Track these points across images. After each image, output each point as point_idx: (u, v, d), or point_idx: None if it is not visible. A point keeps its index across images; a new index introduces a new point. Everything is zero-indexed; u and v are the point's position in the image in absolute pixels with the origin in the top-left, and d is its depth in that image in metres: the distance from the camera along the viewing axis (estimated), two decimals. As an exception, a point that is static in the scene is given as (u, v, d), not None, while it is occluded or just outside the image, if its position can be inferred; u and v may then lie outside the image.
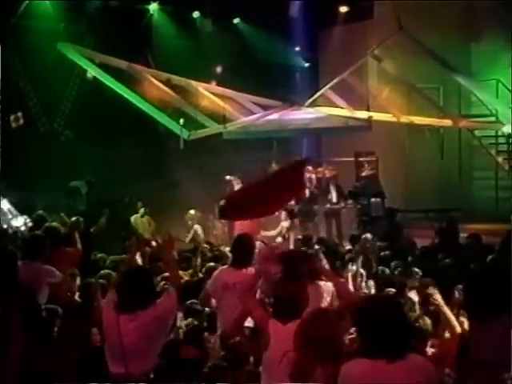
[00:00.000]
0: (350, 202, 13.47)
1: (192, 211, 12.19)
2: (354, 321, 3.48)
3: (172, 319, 4.61)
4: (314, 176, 13.91)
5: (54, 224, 7.41)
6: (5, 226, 9.24)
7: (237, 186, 14.06)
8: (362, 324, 3.28)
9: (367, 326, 3.22)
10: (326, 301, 5.27)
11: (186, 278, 7.08)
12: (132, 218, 12.12)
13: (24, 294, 4.89)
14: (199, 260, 7.65)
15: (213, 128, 14.00)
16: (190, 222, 12.02)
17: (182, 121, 13.51)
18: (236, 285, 5.42)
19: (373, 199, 13.24)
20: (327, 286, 5.30)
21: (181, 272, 6.86)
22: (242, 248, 5.77)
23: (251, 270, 5.45)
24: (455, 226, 9.69)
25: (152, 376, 4.23)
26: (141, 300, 4.24)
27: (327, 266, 6.14)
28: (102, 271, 6.63)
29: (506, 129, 14.03)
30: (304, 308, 4.11)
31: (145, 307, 4.22)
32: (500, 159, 14.93)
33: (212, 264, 6.99)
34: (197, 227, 11.94)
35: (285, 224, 11.86)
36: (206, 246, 8.22)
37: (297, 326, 3.73)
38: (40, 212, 8.69)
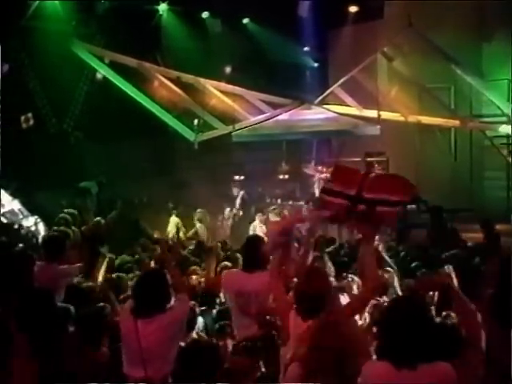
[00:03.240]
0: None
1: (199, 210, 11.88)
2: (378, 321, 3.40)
3: (186, 322, 4.57)
4: (323, 177, 13.89)
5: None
6: (15, 226, 9.27)
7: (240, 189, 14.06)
8: (384, 324, 3.22)
9: (388, 326, 3.17)
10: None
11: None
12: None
13: (39, 296, 4.87)
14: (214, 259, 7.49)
15: (220, 129, 14.00)
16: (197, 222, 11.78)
17: (196, 121, 13.53)
18: (252, 294, 5.02)
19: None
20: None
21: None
22: (254, 250, 5.26)
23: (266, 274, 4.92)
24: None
25: (170, 380, 4.18)
26: (158, 303, 4.21)
27: None
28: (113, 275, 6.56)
29: (505, 129, 13.91)
30: (327, 307, 3.98)
31: (162, 310, 4.20)
32: (511, 159, 14.85)
33: (226, 263, 6.83)
34: (199, 226, 11.60)
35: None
36: (218, 245, 8.12)
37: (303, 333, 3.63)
38: (62, 215, 8.66)
